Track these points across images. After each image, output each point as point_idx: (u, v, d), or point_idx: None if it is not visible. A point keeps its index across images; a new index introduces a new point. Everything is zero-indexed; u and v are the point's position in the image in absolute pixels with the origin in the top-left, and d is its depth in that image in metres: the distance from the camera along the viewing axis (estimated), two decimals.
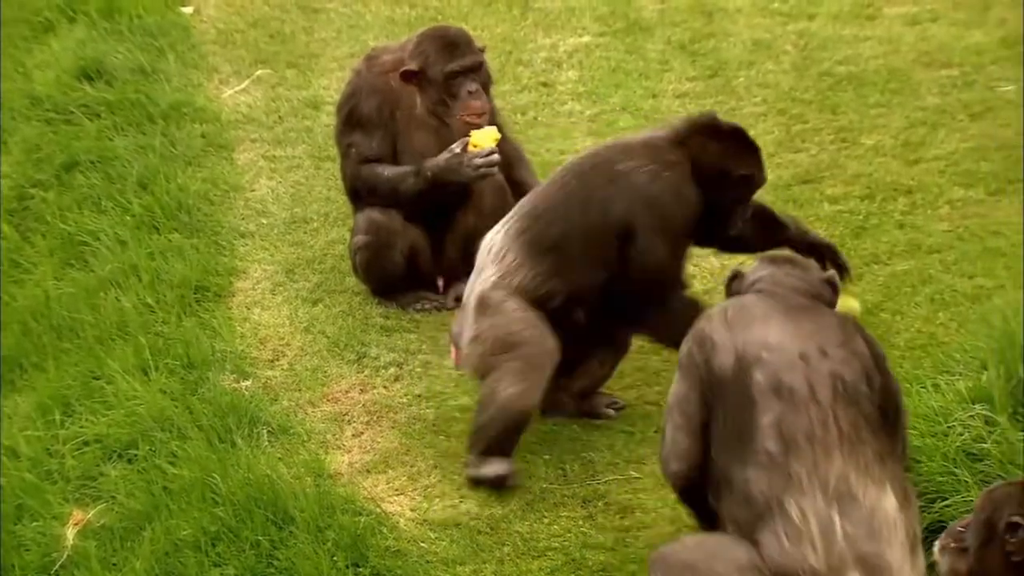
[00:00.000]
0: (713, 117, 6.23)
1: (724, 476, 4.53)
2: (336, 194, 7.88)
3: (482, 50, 7.21)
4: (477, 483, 5.95)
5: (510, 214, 6.26)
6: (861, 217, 7.62)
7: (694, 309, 5.80)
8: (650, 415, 6.23)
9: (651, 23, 10.04)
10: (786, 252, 5.34)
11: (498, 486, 5.91)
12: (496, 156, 6.97)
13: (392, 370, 6.75)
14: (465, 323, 6.11)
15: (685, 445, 4.74)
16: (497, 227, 6.23)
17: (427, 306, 7.25)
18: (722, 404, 4.60)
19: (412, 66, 7.06)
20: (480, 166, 6.94)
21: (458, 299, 7.18)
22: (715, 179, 6.06)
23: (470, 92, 7.06)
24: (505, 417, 5.89)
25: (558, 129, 8.85)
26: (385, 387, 6.63)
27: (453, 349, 6.23)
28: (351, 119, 7.22)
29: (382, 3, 10.51)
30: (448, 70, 7.04)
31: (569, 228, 6.03)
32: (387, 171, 7.13)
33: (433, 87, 7.07)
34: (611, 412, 6.37)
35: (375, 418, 6.41)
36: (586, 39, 9.91)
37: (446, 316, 7.16)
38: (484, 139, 6.98)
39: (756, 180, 6.18)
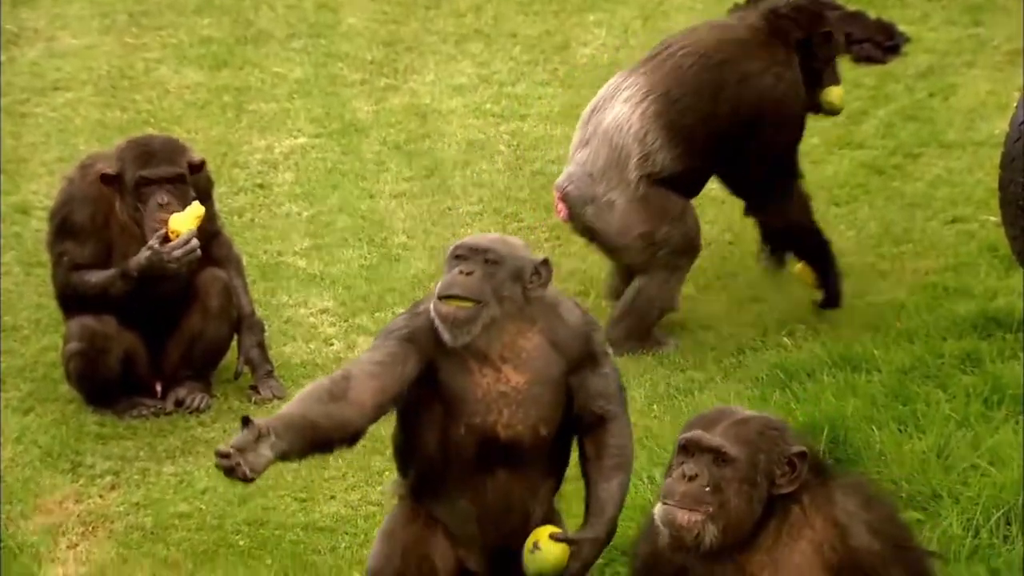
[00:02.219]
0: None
1: None
2: (48, 300, 7.70)
3: (198, 164, 7.15)
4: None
5: (631, 84, 7.13)
6: None
7: (804, 200, 7.28)
8: (373, 515, 6.22)
9: (366, 124, 10.09)
10: None
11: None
12: (195, 242, 6.90)
13: (108, 478, 6.60)
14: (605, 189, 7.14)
15: None
16: (620, 98, 7.11)
17: (144, 412, 7.13)
18: None
19: (110, 170, 6.99)
20: (180, 257, 6.88)
21: (178, 403, 7.12)
22: (810, 49, 7.15)
23: (160, 204, 6.96)
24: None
25: (275, 231, 8.81)
26: (101, 496, 6.48)
27: (561, 204, 7.24)
28: (63, 228, 7.09)
29: (92, 107, 10.35)
30: (139, 176, 6.95)
31: (699, 117, 7.02)
32: (94, 278, 7.01)
33: (128, 193, 6.98)
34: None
35: (91, 528, 6.26)
36: (302, 140, 9.91)
37: (164, 422, 7.06)
38: (183, 223, 6.89)
39: (836, 32, 7.33)
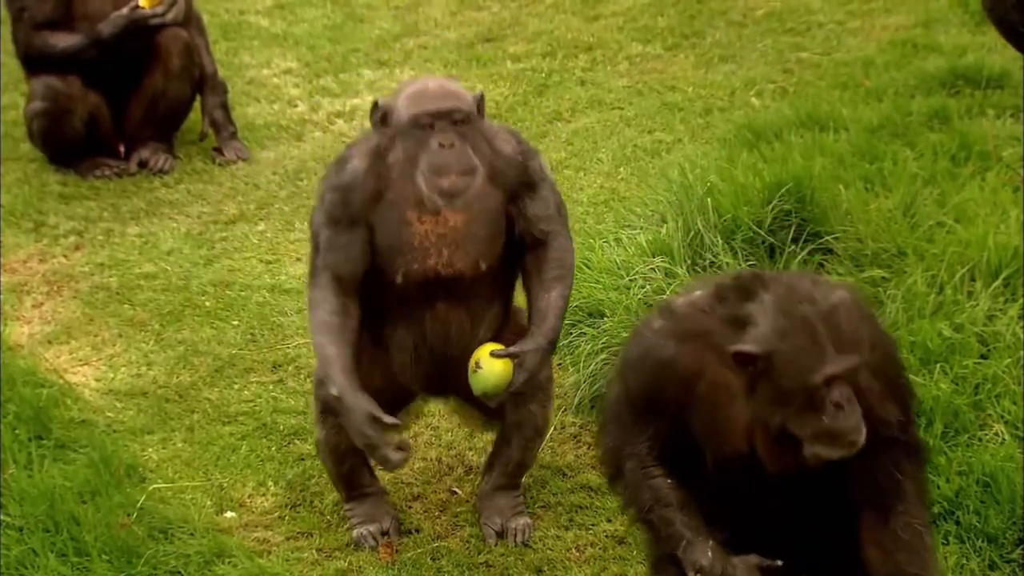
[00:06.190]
0: None
1: None
2: (9, 58, 7.60)
3: None
4: None
5: None
6: (543, 75, 7.68)
7: None
8: None
9: None
10: None
11: None
12: (167, 13, 6.88)
13: (72, 239, 6.58)
14: None
15: None
16: None
17: (107, 172, 7.09)
18: None
19: None
20: (148, 16, 6.84)
21: (142, 163, 7.09)
22: None
23: None
24: None
25: None
26: (65, 256, 6.46)
27: None
28: None
29: None
30: None
31: None
32: (61, 43, 6.91)
33: None
34: None
35: (55, 288, 6.25)
36: None
37: (127, 182, 7.02)
38: None
39: None
